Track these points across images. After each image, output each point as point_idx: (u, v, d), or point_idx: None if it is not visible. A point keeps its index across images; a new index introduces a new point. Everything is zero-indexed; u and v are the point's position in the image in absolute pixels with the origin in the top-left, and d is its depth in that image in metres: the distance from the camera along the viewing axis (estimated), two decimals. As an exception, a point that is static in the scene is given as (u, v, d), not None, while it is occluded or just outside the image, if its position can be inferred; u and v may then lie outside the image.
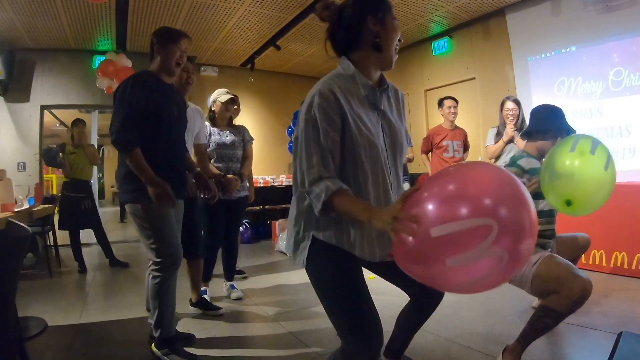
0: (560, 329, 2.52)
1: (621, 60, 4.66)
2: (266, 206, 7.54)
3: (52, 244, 5.13)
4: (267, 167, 8.15)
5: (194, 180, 2.79)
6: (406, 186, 5.00)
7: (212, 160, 3.50)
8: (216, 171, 3.46)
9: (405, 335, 1.82)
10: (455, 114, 4.84)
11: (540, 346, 2.34)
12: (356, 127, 1.36)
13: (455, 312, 3.04)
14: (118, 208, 11.53)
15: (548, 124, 2.40)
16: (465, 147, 4.95)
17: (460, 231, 1.01)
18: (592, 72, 4.92)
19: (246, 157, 3.71)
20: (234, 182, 3.46)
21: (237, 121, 3.90)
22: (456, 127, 4.91)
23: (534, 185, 2.13)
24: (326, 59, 1.52)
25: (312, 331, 2.83)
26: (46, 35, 6.10)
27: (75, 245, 4.95)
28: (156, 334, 2.37)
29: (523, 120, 4.17)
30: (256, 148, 4.41)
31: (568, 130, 2.38)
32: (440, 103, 4.92)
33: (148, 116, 2.24)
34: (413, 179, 5.98)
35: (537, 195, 2.12)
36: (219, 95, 3.55)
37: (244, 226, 6.73)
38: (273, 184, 7.67)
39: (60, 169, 5.44)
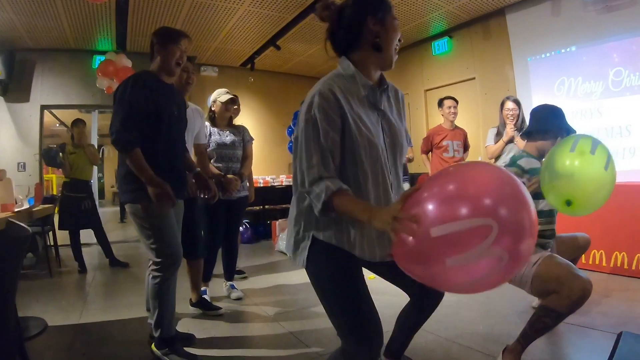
0: (560, 329, 2.52)
1: (621, 60, 4.66)
2: (266, 206, 7.54)
3: (52, 244, 5.13)
4: (267, 167, 8.15)
5: (194, 180, 2.79)
6: (406, 186, 5.00)
7: (212, 160, 3.50)
8: (216, 171, 3.46)
9: (405, 335, 1.82)
10: (455, 114, 4.84)
11: (540, 346, 2.34)
12: (356, 127, 1.36)
13: (455, 312, 3.04)
14: (118, 208, 11.53)
15: (548, 124, 2.40)
16: (465, 147, 4.95)
17: (460, 231, 1.01)
18: (592, 72, 4.92)
19: (246, 157, 3.71)
20: (234, 182, 3.46)
21: (237, 121, 3.89)
22: (456, 127, 4.91)
23: (534, 185, 2.13)
24: (326, 59, 1.52)
25: (312, 331, 2.83)
26: (46, 35, 6.10)
27: (75, 245, 4.95)
28: (156, 334, 2.37)
29: (523, 120, 4.17)
30: (256, 148, 4.41)
31: (568, 130, 2.38)
32: (440, 103, 4.92)
33: (148, 116, 2.24)
34: (413, 179, 5.98)
35: (537, 195, 2.12)
36: (219, 95, 3.55)
37: (244, 226, 6.73)
38: (273, 184, 7.67)
39: (60, 169, 5.44)
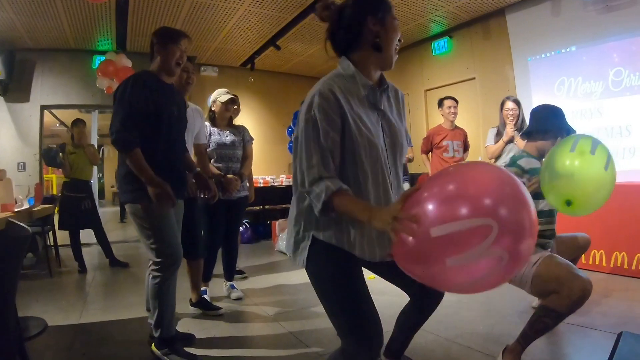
0: (560, 329, 2.52)
1: (621, 60, 4.66)
2: (266, 206, 7.54)
3: (52, 244, 5.12)
4: (267, 167, 8.15)
5: (194, 180, 2.79)
6: (406, 186, 5.00)
7: (212, 160, 3.50)
8: (216, 171, 3.46)
9: (405, 335, 1.82)
10: (455, 114, 4.85)
11: (540, 346, 2.34)
12: (356, 127, 1.36)
13: (455, 312, 3.04)
14: (118, 208, 11.53)
15: (548, 124, 2.40)
16: (465, 147, 4.95)
17: (460, 231, 1.01)
18: (592, 72, 4.92)
19: (246, 157, 3.71)
20: (233, 182, 3.46)
21: (237, 121, 3.89)
22: (456, 127, 4.91)
23: (534, 186, 2.13)
24: (326, 59, 1.52)
25: (312, 331, 2.83)
26: (46, 35, 6.10)
27: (75, 245, 4.95)
28: (156, 334, 2.37)
29: (523, 120, 4.17)
30: (256, 148, 4.41)
31: (568, 130, 2.38)
32: (440, 103, 4.92)
33: (148, 116, 2.24)
34: (413, 179, 5.98)
35: (537, 195, 2.12)
36: (219, 95, 3.55)
37: (244, 226, 6.74)
38: (273, 184, 7.67)
39: (60, 169, 5.44)
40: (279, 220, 6.52)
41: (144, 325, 2.80)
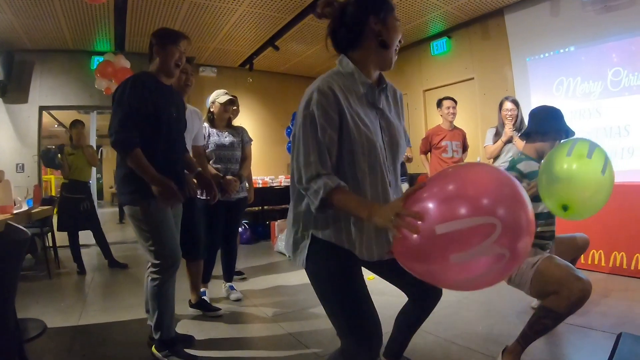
0: (559, 330, 2.52)
1: (620, 60, 4.67)
2: (265, 207, 7.54)
3: (51, 245, 5.11)
4: (266, 168, 8.15)
5: (195, 181, 2.78)
6: (405, 186, 5.01)
7: (211, 162, 3.50)
8: (215, 172, 3.45)
9: (404, 335, 1.82)
10: (454, 114, 4.85)
11: (540, 346, 2.34)
12: (354, 124, 1.36)
13: (454, 312, 3.04)
14: (117, 209, 11.51)
15: (547, 126, 2.39)
16: (464, 148, 4.96)
17: (465, 229, 1.03)
18: (590, 72, 4.92)
19: (245, 158, 3.71)
20: (233, 183, 3.46)
21: (236, 121, 3.89)
22: (455, 128, 4.92)
23: (533, 189, 2.13)
24: (325, 59, 1.53)
25: (311, 332, 2.83)
26: (45, 36, 6.09)
27: (74, 246, 4.94)
28: (156, 336, 2.37)
29: (522, 121, 4.18)
30: (255, 149, 4.41)
31: (567, 132, 2.38)
32: (439, 103, 4.93)
33: (147, 117, 2.24)
34: (412, 179, 5.98)
35: (537, 198, 2.12)
36: (218, 96, 3.54)
37: (243, 227, 6.73)
38: (272, 184, 7.66)
39: (58, 170, 5.43)
40: (278, 220, 6.51)
41: (143, 327, 2.79)
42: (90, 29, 6.01)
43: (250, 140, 3.80)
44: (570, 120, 2.48)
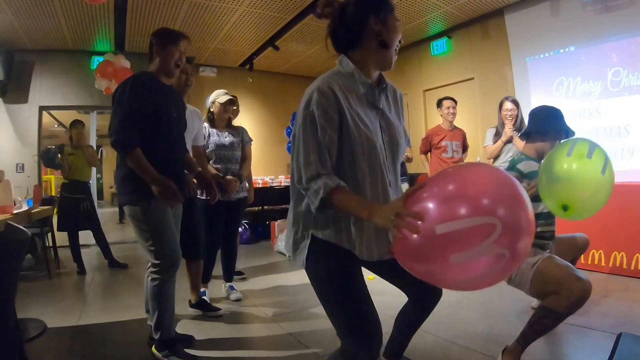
0: (559, 330, 2.52)
1: (620, 60, 4.67)
2: (265, 207, 7.54)
3: (51, 245, 5.12)
4: (266, 168, 8.15)
5: (195, 181, 2.78)
6: (405, 186, 5.01)
7: (211, 162, 3.50)
8: (215, 172, 3.45)
9: (404, 335, 1.82)
10: (454, 114, 4.85)
11: (540, 346, 2.34)
12: (354, 124, 1.36)
13: (454, 312, 3.04)
14: (117, 209, 11.51)
15: (547, 126, 2.39)
16: (464, 148, 4.95)
17: (465, 229, 1.03)
18: (590, 72, 4.92)
19: (245, 158, 3.71)
20: (233, 184, 3.46)
21: (236, 121, 3.89)
22: (455, 128, 4.92)
23: (533, 189, 2.13)
24: (325, 59, 1.53)
25: (311, 332, 2.83)
26: (45, 36, 6.09)
27: (74, 246, 4.94)
28: (156, 336, 2.37)
29: (522, 121, 4.18)
30: (255, 149, 4.41)
31: (567, 132, 2.37)
32: (439, 103, 4.93)
33: (147, 117, 2.24)
34: (412, 179, 5.98)
35: (537, 198, 2.12)
36: (218, 96, 3.54)
37: (243, 227, 6.73)
38: (272, 184, 7.66)
39: (58, 170, 5.43)
40: (278, 220, 6.51)
41: (143, 327, 2.79)
42: (90, 29, 6.01)
43: (250, 140, 3.80)
44: (570, 120, 2.48)
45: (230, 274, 3.80)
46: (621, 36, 4.62)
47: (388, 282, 1.65)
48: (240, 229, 6.03)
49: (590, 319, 2.73)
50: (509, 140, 4.17)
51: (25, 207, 3.49)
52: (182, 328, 2.91)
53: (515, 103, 4.21)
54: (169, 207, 2.38)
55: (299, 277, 4.23)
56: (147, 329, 2.66)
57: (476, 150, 5.85)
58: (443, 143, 4.79)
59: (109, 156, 14.46)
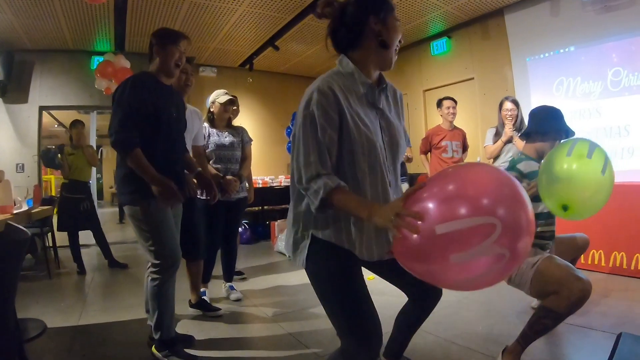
0: (559, 329, 2.52)
1: (620, 60, 4.67)
2: (265, 207, 7.54)
3: (50, 245, 5.12)
4: (266, 168, 8.15)
5: (195, 181, 2.78)
6: (405, 186, 5.01)
7: (211, 162, 3.49)
8: (215, 172, 3.45)
9: (404, 335, 1.82)
10: (454, 114, 4.85)
11: (540, 346, 2.34)
12: (354, 124, 1.36)
13: (454, 312, 3.04)
14: (117, 209, 11.51)
15: (547, 126, 2.39)
16: (464, 148, 4.95)
17: (465, 229, 1.04)
18: (590, 72, 4.92)
19: (245, 158, 3.71)
20: (233, 184, 3.46)
21: (236, 121, 3.89)
22: (455, 128, 4.92)
23: (533, 190, 2.13)
24: (325, 59, 1.53)
25: (311, 332, 2.83)
26: (45, 36, 6.09)
27: (74, 246, 4.94)
28: (156, 336, 2.37)
29: (522, 121, 4.18)
30: (255, 148, 4.41)
31: (567, 132, 2.38)
32: (439, 103, 4.93)
33: (147, 117, 2.24)
34: (412, 179, 5.98)
35: (537, 198, 2.12)
36: (218, 96, 3.54)
37: (243, 227, 6.73)
38: (272, 184, 7.66)
39: (58, 170, 5.43)
40: (278, 220, 6.51)
41: (143, 327, 2.79)
42: (90, 29, 6.01)
43: (250, 140, 3.80)
44: (570, 120, 2.48)
45: (230, 274, 3.80)
46: (621, 36, 4.62)
47: (388, 282, 1.65)
48: (240, 229, 6.03)
49: (590, 319, 2.73)
50: (509, 140, 4.17)
51: (25, 207, 3.49)
52: (182, 328, 2.91)
53: (515, 103, 4.21)
54: (169, 207, 2.38)
55: (299, 277, 4.23)
56: (147, 329, 2.66)
57: (476, 150, 5.86)
58: (443, 143, 4.79)
59: (109, 156, 14.47)
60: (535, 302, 2.92)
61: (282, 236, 5.89)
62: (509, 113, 4.15)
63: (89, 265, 5.07)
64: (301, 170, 1.32)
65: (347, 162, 1.38)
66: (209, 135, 3.50)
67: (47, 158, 5.40)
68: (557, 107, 2.46)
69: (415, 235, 1.08)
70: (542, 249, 2.28)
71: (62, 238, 5.11)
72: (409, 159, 5.34)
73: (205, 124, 3.52)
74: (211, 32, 6.37)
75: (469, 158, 5.38)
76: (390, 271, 1.57)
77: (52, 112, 8.33)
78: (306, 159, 1.31)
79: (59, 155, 5.00)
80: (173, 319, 2.46)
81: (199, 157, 3.28)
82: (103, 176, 17.28)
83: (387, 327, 1.53)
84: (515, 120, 4.16)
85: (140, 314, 3.03)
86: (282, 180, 7.77)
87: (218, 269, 3.76)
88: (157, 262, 2.30)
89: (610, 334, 2.40)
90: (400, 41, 1.47)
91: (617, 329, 2.42)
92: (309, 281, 1.45)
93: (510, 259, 1.06)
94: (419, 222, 1.07)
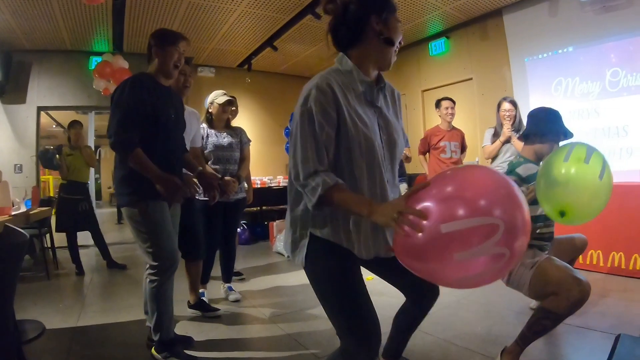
0: (558, 330, 2.52)
1: (618, 61, 4.68)
2: (263, 207, 7.54)
3: (49, 246, 5.11)
4: (265, 168, 8.15)
5: (196, 180, 2.77)
6: (403, 186, 5.01)
7: (209, 163, 3.49)
8: (213, 173, 3.44)
9: (402, 335, 1.82)
10: (452, 114, 4.85)
11: (539, 347, 2.34)
12: (352, 121, 1.36)
13: (453, 313, 3.04)
14: (115, 209, 11.49)
15: (545, 128, 2.39)
16: (463, 148, 4.96)
17: (469, 228, 1.06)
18: (589, 72, 4.93)
19: (244, 159, 3.70)
20: (231, 184, 3.44)
21: (234, 122, 3.89)
22: (453, 128, 4.92)
23: (532, 194, 2.13)
24: (323, 59, 1.53)
25: (310, 333, 2.83)
26: (43, 36, 6.08)
27: (73, 247, 4.93)
28: (155, 338, 2.37)
29: (520, 121, 4.18)
30: (253, 149, 4.40)
31: (566, 134, 2.38)
32: (438, 104, 4.93)
33: (146, 118, 2.24)
34: (411, 179, 5.98)
35: (536, 201, 2.12)
36: (216, 97, 3.54)
37: (242, 227, 6.73)
38: (270, 184, 7.67)
39: (57, 171, 5.42)
40: (277, 221, 6.52)
41: (142, 328, 2.79)
42: (88, 29, 6.00)
43: (249, 141, 3.79)
44: (568, 121, 2.48)
45: (229, 274, 3.80)
46: (620, 36, 4.63)
47: (387, 283, 1.65)
48: (238, 230, 6.02)
49: (589, 319, 2.74)
50: (507, 141, 4.17)
51: (23, 209, 3.48)
52: (181, 329, 2.90)
53: (513, 103, 4.21)
54: (175, 202, 2.38)
55: (298, 278, 4.23)
56: (146, 330, 2.66)
57: (475, 150, 5.86)
58: (441, 143, 4.80)
59: (107, 156, 14.47)
60: (533, 303, 2.92)
61: (280, 236, 5.89)
62: (507, 113, 4.15)
63: (87, 266, 5.06)
64: (298, 167, 1.32)
65: (344, 160, 1.38)
66: (207, 136, 3.50)
67: (45, 159, 5.39)
68: (556, 107, 2.47)
69: (419, 234, 1.09)
70: (540, 250, 2.28)
71: (60, 239, 5.11)
72: (408, 159, 5.34)
73: (204, 125, 3.52)
74: (209, 32, 6.37)
75: (468, 158, 5.39)
76: (390, 271, 1.57)
77: (50, 112, 8.31)
78: (304, 156, 1.31)
79: (57, 155, 5.00)
80: (172, 320, 2.46)
81: (197, 159, 3.27)
82: (101, 176, 17.25)
83: (385, 327, 1.54)
84: (514, 121, 4.16)
85: (139, 315, 3.02)
86: (281, 180, 7.78)
87: (217, 270, 3.75)
88: (155, 263, 2.30)
89: (609, 335, 2.40)
90: (400, 42, 1.48)
91: (616, 329, 2.43)
92: (307, 282, 1.45)
93: (509, 258, 1.09)
94: (423, 221, 1.09)
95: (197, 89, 6.89)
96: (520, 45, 5.64)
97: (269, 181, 7.68)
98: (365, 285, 1.41)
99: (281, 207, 7.54)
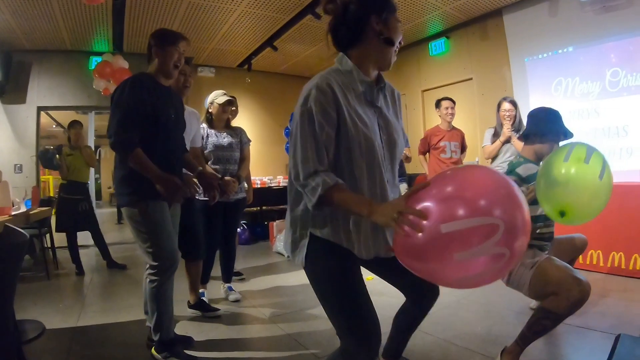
0: (558, 330, 2.51)
1: (618, 61, 4.68)
2: (263, 207, 7.54)
3: (49, 246, 5.11)
4: (264, 168, 8.15)
5: (196, 180, 2.77)
6: (403, 186, 5.01)
7: (209, 163, 3.49)
8: (213, 173, 3.44)
9: (402, 335, 1.82)
10: (452, 114, 4.85)
11: (539, 347, 2.34)
12: (352, 121, 1.36)
13: (453, 313, 3.04)
14: (115, 209, 11.49)
15: (545, 128, 2.39)
16: (463, 148, 4.96)
17: (470, 228, 1.07)
18: (589, 72, 4.93)
19: (244, 159, 3.70)
20: (231, 184, 3.44)
21: (234, 122, 3.89)
22: (453, 128, 4.92)
23: (532, 194, 2.13)
24: (323, 59, 1.53)
25: (310, 333, 2.83)
26: (43, 36, 6.08)
27: (73, 247, 4.93)
28: (155, 338, 2.37)
29: (520, 121, 4.18)
30: (253, 149, 4.40)
31: (566, 134, 2.38)
32: (438, 104, 4.93)
33: (146, 118, 2.24)
34: (411, 179, 5.98)
35: (536, 201, 2.12)
36: (216, 97, 3.54)
37: (242, 227, 6.73)
38: (270, 184, 7.67)
39: (57, 171, 5.42)
40: (277, 221, 6.51)
41: (142, 328, 2.79)
42: (88, 29, 6.00)
43: (249, 141, 3.79)
44: (568, 121, 2.48)
45: (229, 274, 3.80)
46: (619, 36, 4.63)
47: (387, 283, 1.65)
48: (238, 230, 6.02)
49: (589, 319, 2.74)
50: (507, 141, 4.17)
51: (23, 209, 3.48)
52: (181, 329, 2.90)
53: (513, 103, 4.21)
54: (175, 202, 2.38)
55: (298, 278, 4.23)
56: (146, 330, 2.66)
57: (475, 150, 5.86)
58: (441, 143, 4.79)
59: (107, 156, 14.46)
60: (533, 303, 2.92)
61: (280, 236, 5.89)
62: (507, 113, 4.15)
63: (87, 266, 5.06)
64: (298, 167, 1.32)
65: (344, 160, 1.38)
66: (207, 136, 3.49)
67: (45, 159, 5.39)
68: (556, 107, 2.46)
69: (420, 234, 1.10)
70: (540, 250, 2.28)
71: (60, 239, 5.11)
72: (408, 159, 5.34)
73: (204, 125, 3.52)
74: (209, 32, 6.37)
75: (468, 158, 5.38)
76: (390, 271, 1.57)
77: (50, 112, 8.31)
78: (304, 156, 1.31)
79: (57, 155, 5.00)
80: (172, 320, 2.46)
81: (197, 159, 3.27)
82: (101, 176, 17.24)
83: (385, 327, 1.54)
84: (514, 121, 4.16)
85: (139, 315, 3.02)
86: (281, 180, 7.78)
87: (217, 270, 3.75)
88: (155, 263, 2.30)
89: (609, 335, 2.40)
90: (400, 42, 1.48)
91: (616, 329, 2.43)
92: (307, 282, 1.45)
93: (509, 258, 1.09)
94: (423, 221, 1.09)
95: (197, 89, 6.89)
96: (520, 45, 5.64)
97: (269, 181, 7.68)
98: (365, 285, 1.41)
99: (281, 207, 7.54)
